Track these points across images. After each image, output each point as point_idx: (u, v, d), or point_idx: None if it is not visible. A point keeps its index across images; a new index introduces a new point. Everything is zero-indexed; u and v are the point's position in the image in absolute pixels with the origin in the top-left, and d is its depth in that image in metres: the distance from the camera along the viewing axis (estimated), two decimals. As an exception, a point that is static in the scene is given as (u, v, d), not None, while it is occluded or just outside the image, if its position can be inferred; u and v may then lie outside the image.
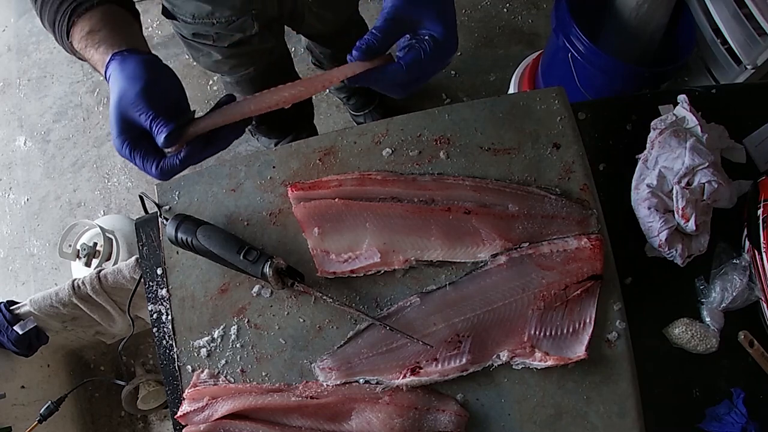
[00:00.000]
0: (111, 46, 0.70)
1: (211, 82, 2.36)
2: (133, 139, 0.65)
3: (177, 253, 0.88)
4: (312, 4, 1.28)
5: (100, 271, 1.40)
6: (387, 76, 0.66)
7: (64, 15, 0.73)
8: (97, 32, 0.71)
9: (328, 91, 2.12)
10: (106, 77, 0.69)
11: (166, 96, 0.67)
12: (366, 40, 0.65)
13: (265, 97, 0.69)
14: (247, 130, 1.66)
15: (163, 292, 0.88)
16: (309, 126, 1.86)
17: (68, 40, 0.75)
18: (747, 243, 0.97)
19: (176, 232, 0.83)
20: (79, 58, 0.79)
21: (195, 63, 1.38)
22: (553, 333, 0.81)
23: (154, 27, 2.47)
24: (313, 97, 2.19)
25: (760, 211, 0.96)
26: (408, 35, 0.69)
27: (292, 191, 0.87)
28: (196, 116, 0.69)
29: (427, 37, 0.66)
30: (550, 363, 0.79)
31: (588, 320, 0.81)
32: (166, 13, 1.16)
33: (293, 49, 2.14)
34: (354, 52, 0.65)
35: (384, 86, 0.68)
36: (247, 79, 1.41)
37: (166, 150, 0.66)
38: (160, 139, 0.63)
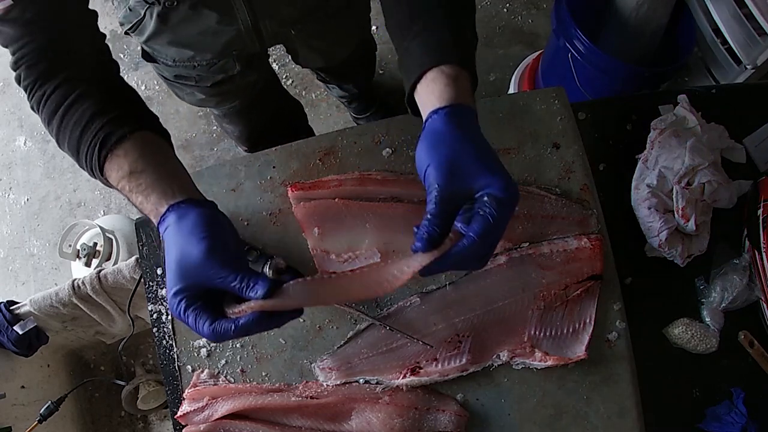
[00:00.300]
0: (163, 195, 0.65)
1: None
2: (191, 297, 0.60)
3: (177, 253, 0.88)
4: (304, 38, 1.19)
5: (100, 271, 1.40)
6: (463, 256, 0.57)
7: (92, 147, 0.68)
8: (140, 174, 0.66)
9: (327, 92, 2.12)
10: (159, 229, 0.65)
11: (234, 250, 0.63)
12: (426, 231, 0.57)
13: (336, 292, 0.62)
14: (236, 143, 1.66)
15: (163, 292, 0.88)
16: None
17: (102, 175, 0.70)
18: (747, 243, 0.97)
19: (176, 232, 0.83)
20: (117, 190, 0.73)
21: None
22: (553, 333, 0.81)
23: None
24: (313, 96, 2.20)
25: (760, 211, 0.96)
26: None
27: (292, 191, 0.87)
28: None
29: (486, 198, 0.57)
30: (550, 363, 0.79)
31: (588, 320, 0.81)
32: (146, 56, 1.13)
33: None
34: (417, 245, 0.58)
35: (463, 266, 0.61)
36: (234, 111, 1.40)
37: (248, 306, 0.59)
38: (259, 292, 0.57)
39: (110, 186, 0.72)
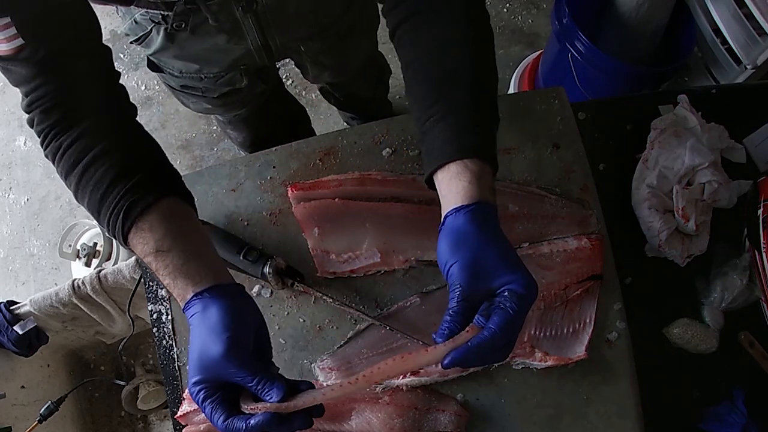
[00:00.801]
0: (190, 281, 0.65)
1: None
2: (210, 389, 0.61)
3: (177, 253, 0.88)
4: (314, 54, 1.17)
5: (100, 271, 1.40)
6: (484, 347, 0.58)
7: (115, 215, 0.66)
8: (166, 254, 0.65)
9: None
10: (185, 313, 0.65)
11: (252, 350, 0.64)
12: (447, 327, 0.59)
13: (351, 387, 0.63)
14: (235, 144, 1.65)
15: (163, 292, 0.88)
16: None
17: (126, 243, 0.69)
18: (747, 243, 0.97)
19: (176, 232, 0.83)
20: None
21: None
22: (553, 333, 0.81)
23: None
24: (313, 96, 2.20)
25: (760, 211, 0.96)
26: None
27: (292, 191, 0.87)
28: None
29: (507, 294, 0.59)
30: (550, 363, 0.79)
31: (588, 320, 0.81)
32: (153, 66, 1.11)
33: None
34: (438, 340, 0.59)
35: (486, 359, 0.61)
36: (240, 119, 1.39)
37: (261, 405, 0.61)
38: (274, 398, 0.59)
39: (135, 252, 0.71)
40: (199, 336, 0.62)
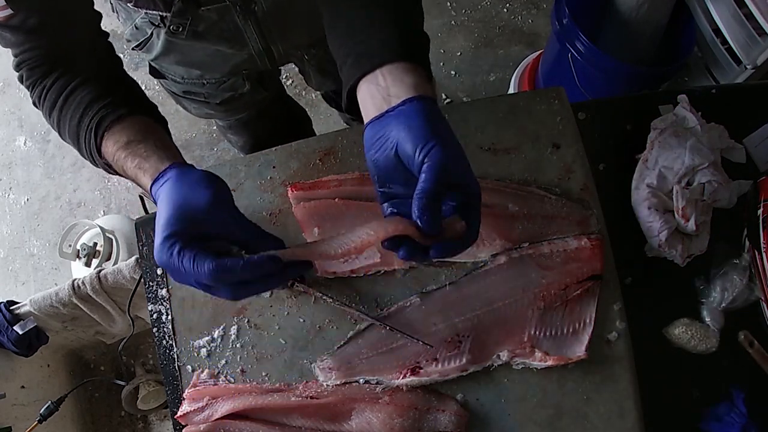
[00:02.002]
0: (165, 156, 0.64)
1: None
2: (187, 240, 0.57)
3: (177, 253, 0.88)
4: (317, 62, 1.17)
5: (100, 271, 1.40)
6: (466, 244, 0.62)
7: (89, 130, 0.69)
8: (140, 142, 0.66)
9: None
10: (152, 192, 0.63)
11: (235, 207, 0.63)
12: (428, 209, 0.58)
13: (349, 240, 0.61)
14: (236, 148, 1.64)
15: (163, 292, 0.88)
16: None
17: (100, 156, 0.70)
18: (747, 243, 0.97)
19: (176, 232, 0.83)
20: (112, 173, 0.73)
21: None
22: (553, 333, 0.81)
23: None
24: (313, 96, 2.20)
25: (760, 211, 0.96)
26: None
27: (292, 191, 0.87)
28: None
29: (472, 193, 0.62)
30: (550, 363, 0.79)
31: (588, 320, 0.81)
32: (154, 72, 1.12)
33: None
34: (417, 213, 0.58)
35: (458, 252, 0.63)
36: (241, 123, 1.39)
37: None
38: (270, 248, 0.58)
39: (109, 169, 0.72)
40: (179, 191, 0.59)
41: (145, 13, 0.90)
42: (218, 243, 0.60)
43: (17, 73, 0.74)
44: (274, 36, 1.01)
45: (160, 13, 0.87)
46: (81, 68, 0.72)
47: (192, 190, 0.59)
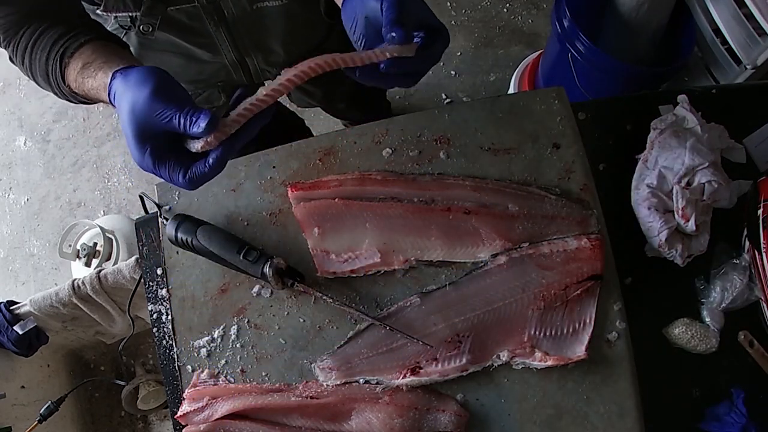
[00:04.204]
0: (109, 69, 0.67)
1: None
2: (156, 149, 0.61)
3: (177, 253, 0.88)
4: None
5: (100, 271, 1.40)
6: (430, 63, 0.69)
7: (55, 62, 0.72)
8: (92, 63, 0.70)
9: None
10: (110, 98, 0.66)
11: (180, 91, 0.64)
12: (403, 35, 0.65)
13: (281, 77, 0.65)
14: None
15: (163, 292, 0.88)
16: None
17: (65, 84, 0.73)
18: (747, 243, 0.97)
19: (176, 232, 0.83)
20: (80, 101, 0.76)
21: None
22: (553, 333, 0.81)
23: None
24: (313, 97, 2.19)
25: (760, 211, 0.96)
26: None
27: (292, 191, 0.87)
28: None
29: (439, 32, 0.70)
30: (550, 363, 0.79)
31: (588, 320, 0.81)
32: None
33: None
34: (394, 36, 0.65)
35: (408, 72, 0.70)
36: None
37: (205, 140, 0.61)
38: (201, 125, 0.59)
39: (75, 98, 0.75)
40: (126, 98, 0.62)
41: (115, 17, 0.89)
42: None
43: None
44: (248, 47, 1.01)
45: (130, 14, 0.87)
46: (48, 17, 0.75)
47: (135, 91, 0.62)
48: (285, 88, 0.64)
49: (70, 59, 0.71)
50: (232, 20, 0.93)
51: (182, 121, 0.60)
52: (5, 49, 0.78)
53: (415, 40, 0.69)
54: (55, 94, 0.77)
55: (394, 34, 0.63)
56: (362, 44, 0.69)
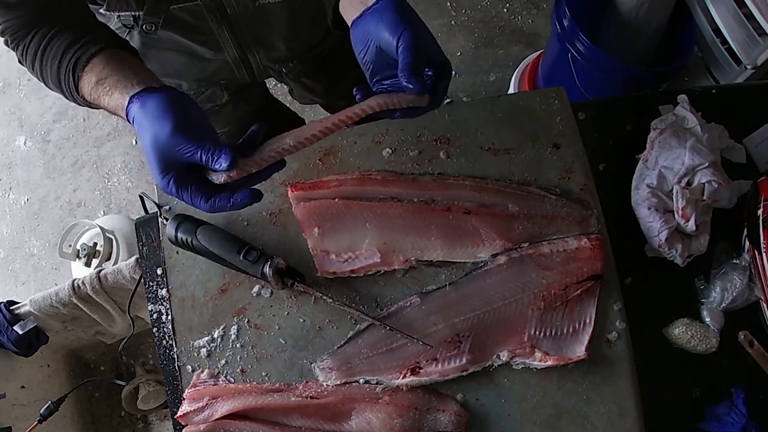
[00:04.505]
0: (124, 89, 0.68)
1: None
2: (178, 177, 0.65)
3: (177, 253, 0.88)
4: (297, 76, 1.18)
5: (100, 271, 1.40)
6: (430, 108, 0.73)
7: (67, 73, 0.73)
8: (105, 80, 0.71)
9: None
10: (129, 121, 0.68)
11: (200, 124, 0.67)
12: (416, 77, 0.67)
13: (308, 129, 0.70)
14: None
15: (163, 292, 0.88)
16: None
17: (79, 95, 0.74)
18: (747, 243, 0.97)
19: (176, 232, 0.83)
20: (95, 108, 0.78)
21: None
22: (553, 333, 0.81)
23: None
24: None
25: (760, 211, 0.96)
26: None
27: (292, 191, 0.87)
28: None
29: (444, 71, 0.72)
30: (550, 363, 0.79)
31: (588, 320, 0.81)
32: None
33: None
34: (410, 87, 0.67)
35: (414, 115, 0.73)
36: (228, 138, 1.39)
37: (227, 174, 0.65)
38: (223, 165, 0.63)
39: (91, 106, 0.76)
40: (147, 128, 0.65)
41: (118, 16, 0.89)
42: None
43: (2, 39, 0.78)
44: (250, 44, 1.01)
45: (133, 13, 0.87)
46: (57, 21, 0.76)
47: (156, 124, 0.64)
48: (309, 142, 0.69)
49: (83, 72, 0.72)
50: (234, 17, 0.93)
51: (204, 158, 0.63)
52: (14, 51, 0.78)
53: (425, 77, 0.71)
54: (69, 100, 0.78)
55: (411, 86, 0.67)
56: (370, 69, 0.72)
